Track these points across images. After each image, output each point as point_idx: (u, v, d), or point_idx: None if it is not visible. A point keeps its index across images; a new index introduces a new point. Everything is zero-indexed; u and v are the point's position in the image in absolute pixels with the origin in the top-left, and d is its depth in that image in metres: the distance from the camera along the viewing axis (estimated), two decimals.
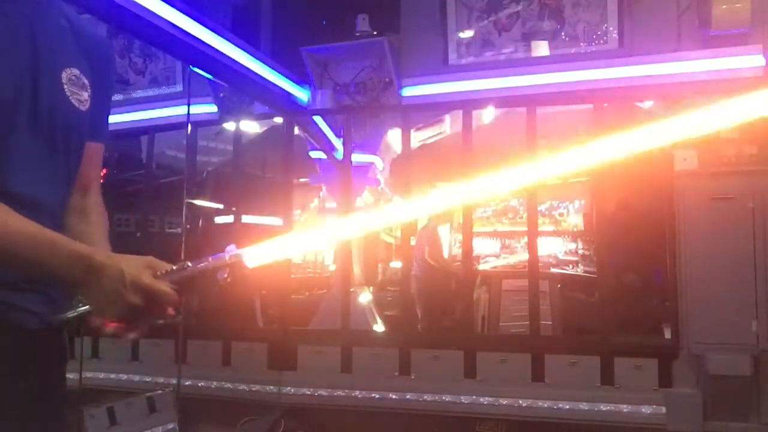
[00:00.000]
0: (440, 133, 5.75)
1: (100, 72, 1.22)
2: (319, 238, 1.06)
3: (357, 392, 4.65)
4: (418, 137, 5.53)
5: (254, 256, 1.00)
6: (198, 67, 4.17)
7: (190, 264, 0.99)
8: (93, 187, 1.26)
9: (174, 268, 0.98)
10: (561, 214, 8.16)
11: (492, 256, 7.91)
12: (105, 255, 0.97)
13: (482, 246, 8.09)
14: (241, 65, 3.94)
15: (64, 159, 1.14)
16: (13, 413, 1.02)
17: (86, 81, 1.16)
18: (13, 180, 1.04)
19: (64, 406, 1.19)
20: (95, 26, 1.32)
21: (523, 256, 6.31)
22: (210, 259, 0.98)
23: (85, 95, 1.16)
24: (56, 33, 1.14)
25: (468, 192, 0.90)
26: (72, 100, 1.13)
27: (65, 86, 1.12)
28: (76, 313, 0.96)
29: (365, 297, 5.63)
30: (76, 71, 1.15)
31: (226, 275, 0.98)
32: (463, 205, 4.65)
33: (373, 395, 4.63)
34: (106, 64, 1.26)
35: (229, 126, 5.62)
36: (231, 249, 0.99)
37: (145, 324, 0.99)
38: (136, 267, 0.95)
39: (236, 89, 5.10)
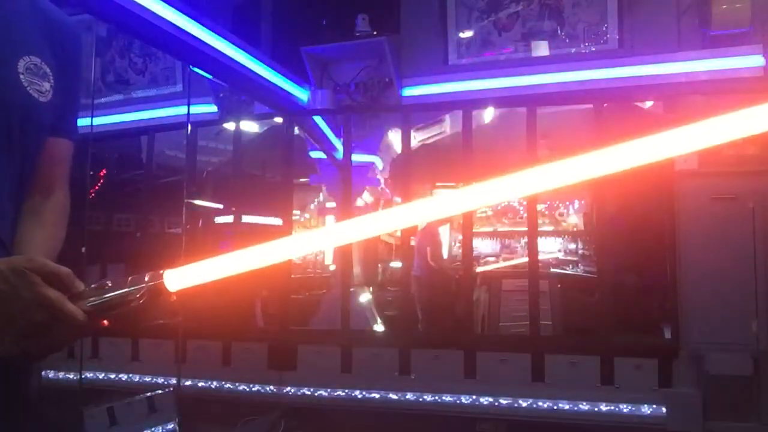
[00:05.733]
0: (440, 133, 5.74)
1: (66, 61, 1.13)
2: (257, 256, 0.84)
3: (357, 392, 4.65)
4: (418, 137, 5.53)
5: (178, 279, 0.86)
6: (198, 67, 4.17)
7: (110, 284, 0.86)
8: (57, 189, 1.13)
9: (93, 287, 0.86)
10: (561, 214, 8.18)
11: (492, 256, 7.92)
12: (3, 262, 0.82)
13: (482, 246, 8.11)
14: (241, 65, 3.94)
15: (19, 155, 1.04)
16: None
17: (48, 70, 1.08)
18: None
19: (25, 414, 1.02)
20: (64, 14, 1.23)
21: (524, 259, 6.31)
22: (129, 280, 0.86)
23: (47, 86, 1.07)
24: (13, 19, 1.06)
25: (469, 198, 0.78)
26: (30, 90, 1.04)
27: (22, 75, 1.03)
28: None
29: (365, 297, 5.63)
30: (36, 59, 1.06)
31: (139, 296, 0.85)
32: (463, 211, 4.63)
33: (373, 395, 4.63)
34: (72, 54, 1.15)
35: (229, 126, 5.62)
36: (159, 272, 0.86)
37: (52, 345, 0.84)
38: (37, 279, 0.80)
39: (236, 89, 5.11)
